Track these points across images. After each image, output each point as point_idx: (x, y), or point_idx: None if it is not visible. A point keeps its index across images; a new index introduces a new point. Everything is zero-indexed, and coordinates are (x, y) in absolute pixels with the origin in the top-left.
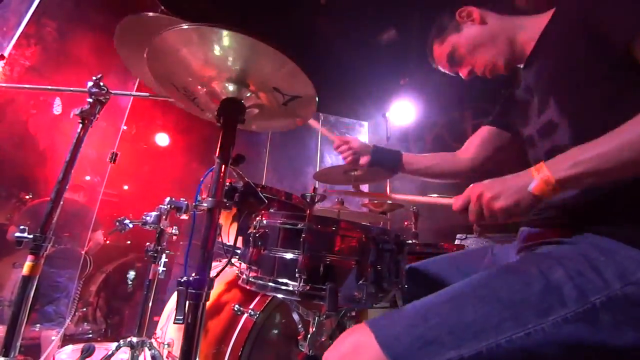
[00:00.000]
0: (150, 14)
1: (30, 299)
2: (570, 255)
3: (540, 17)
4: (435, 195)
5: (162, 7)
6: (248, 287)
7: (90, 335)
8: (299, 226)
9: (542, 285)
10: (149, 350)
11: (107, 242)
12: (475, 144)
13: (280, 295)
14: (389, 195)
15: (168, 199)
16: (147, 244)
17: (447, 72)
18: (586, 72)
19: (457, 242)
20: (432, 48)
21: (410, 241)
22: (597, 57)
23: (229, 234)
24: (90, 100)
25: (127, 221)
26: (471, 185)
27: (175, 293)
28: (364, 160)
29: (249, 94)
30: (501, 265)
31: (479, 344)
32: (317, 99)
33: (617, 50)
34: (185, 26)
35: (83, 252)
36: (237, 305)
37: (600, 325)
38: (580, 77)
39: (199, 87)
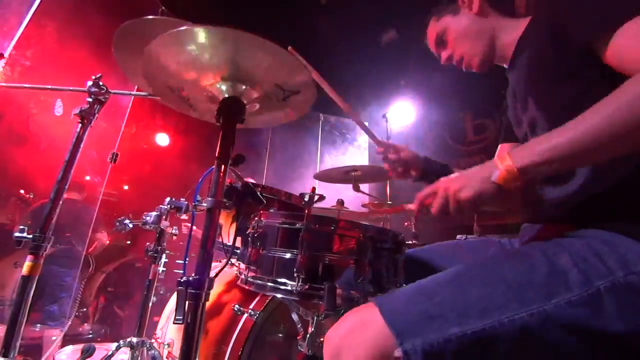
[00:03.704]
0: (150, 17)
1: (30, 299)
2: (574, 244)
3: (522, 21)
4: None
5: (163, 7)
6: (247, 287)
7: (90, 336)
8: (298, 226)
9: (548, 269)
10: (149, 350)
11: (107, 242)
12: None
13: (279, 295)
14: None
15: (168, 199)
16: (147, 244)
17: (432, 50)
18: (555, 70)
19: None
20: (429, 23)
21: (409, 242)
22: (564, 56)
23: (228, 234)
24: (90, 99)
25: (127, 221)
26: (439, 180)
27: (175, 293)
28: (415, 172)
29: (246, 89)
30: (507, 250)
31: (482, 322)
32: (315, 89)
33: (580, 49)
34: (166, 34)
35: (84, 253)
36: (237, 305)
37: (603, 310)
38: (550, 76)
39: (196, 89)
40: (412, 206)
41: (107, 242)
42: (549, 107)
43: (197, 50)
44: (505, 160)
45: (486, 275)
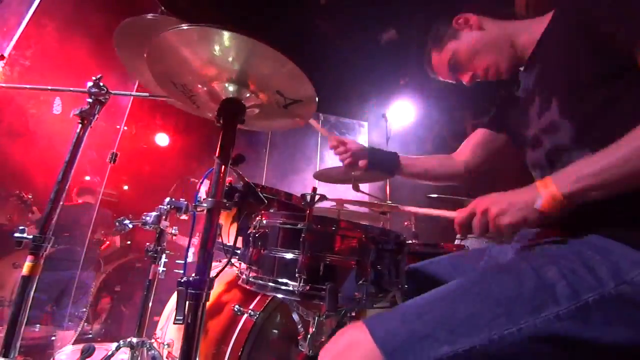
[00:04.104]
0: (150, 15)
1: (30, 299)
2: (564, 254)
3: (540, 20)
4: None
5: (162, 8)
6: (248, 287)
7: (90, 336)
8: (299, 226)
9: (535, 283)
10: (149, 350)
11: (118, 245)
12: (470, 147)
13: (280, 295)
14: (397, 207)
15: (168, 199)
16: (147, 244)
17: (448, 80)
18: (587, 74)
19: (457, 242)
20: (431, 57)
21: (410, 241)
22: (599, 59)
23: (229, 234)
24: (90, 100)
25: (127, 221)
26: (476, 199)
27: (176, 293)
28: (362, 163)
29: (249, 95)
30: (495, 265)
31: (472, 339)
32: (316, 100)
33: (621, 53)
34: (186, 26)
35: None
36: (237, 306)
37: (591, 323)
38: (581, 79)
39: (199, 86)
40: (453, 214)
41: (119, 245)
42: (576, 110)
43: (215, 49)
44: (549, 187)
45: (475, 291)
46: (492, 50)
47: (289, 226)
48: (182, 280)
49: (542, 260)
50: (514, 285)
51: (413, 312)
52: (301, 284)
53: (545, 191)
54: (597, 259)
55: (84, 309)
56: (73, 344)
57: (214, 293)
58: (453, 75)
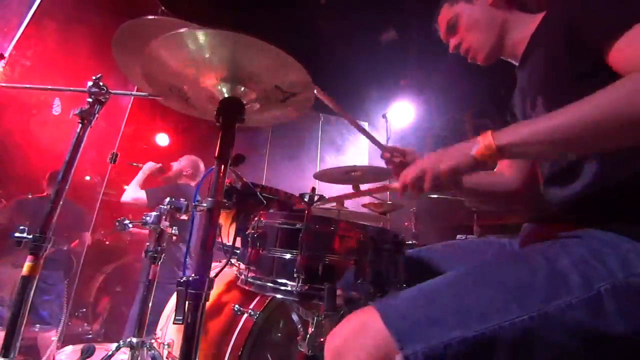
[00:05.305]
0: (149, 17)
1: (30, 299)
2: (574, 246)
3: (535, 17)
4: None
5: (162, 8)
6: (247, 288)
7: (90, 336)
8: (298, 226)
9: (548, 272)
10: (149, 350)
11: (89, 243)
12: (507, 165)
13: (279, 296)
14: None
15: (168, 199)
16: (147, 244)
17: (442, 38)
18: (570, 71)
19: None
20: (442, 7)
21: (410, 242)
22: (578, 58)
23: (228, 234)
24: (90, 100)
25: (127, 221)
26: (419, 160)
27: (175, 293)
28: None
29: (243, 89)
30: (506, 254)
31: (483, 325)
32: (312, 86)
33: (594, 52)
34: (172, 32)
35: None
36: (237, 306)
37: (605, 312)
38: (563, 77)
39: (195, 90)
40: (395, 184)
41: (89, 242)
42: (558, 106)
43: (197, 51)
44: (488, 137)
45: (486, 278)
46: (485, 32)
47: (287, 226)
48: (182, 280)
49: (554, 250)
50: (526, 273)
51: (424, 296)
52: (300, 284)
53: (483, 141)
54: (606, 252)
55: (64, 309)
56: (73, 344)
57: (214, 293)
58: (445, 35)
